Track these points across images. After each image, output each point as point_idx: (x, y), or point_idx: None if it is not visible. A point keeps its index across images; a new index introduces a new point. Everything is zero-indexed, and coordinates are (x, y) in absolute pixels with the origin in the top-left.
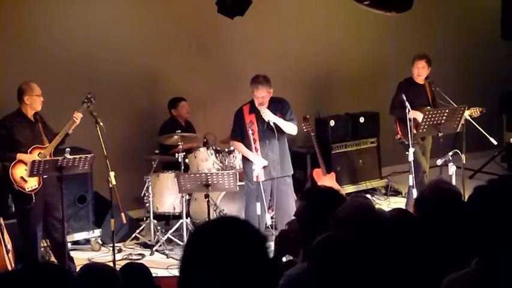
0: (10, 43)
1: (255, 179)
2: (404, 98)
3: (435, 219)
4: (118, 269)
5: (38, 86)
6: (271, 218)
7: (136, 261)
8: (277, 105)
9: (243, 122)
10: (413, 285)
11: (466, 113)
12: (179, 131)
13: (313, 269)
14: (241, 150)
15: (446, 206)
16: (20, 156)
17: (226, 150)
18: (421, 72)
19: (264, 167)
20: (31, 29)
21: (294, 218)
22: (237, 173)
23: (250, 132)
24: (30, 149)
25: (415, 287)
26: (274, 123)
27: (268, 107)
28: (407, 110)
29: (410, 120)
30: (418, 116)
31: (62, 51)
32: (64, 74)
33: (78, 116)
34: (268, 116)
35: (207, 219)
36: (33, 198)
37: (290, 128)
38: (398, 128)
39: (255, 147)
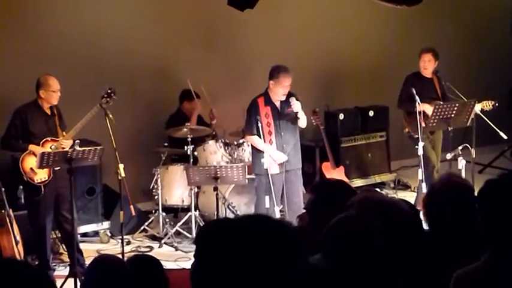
0: (19, 35)
1: (269, 171)
2: (414, 91)
3: (446, 213)
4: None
5: (57, 81)
6: (280, 211)
7: (145, 253)
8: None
9: (259, 114)
10: (423, 279)
11: (478, 107)
12: (188, 124)
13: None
14: (258, 144)
15: (457, 200)
16: (31, 147)
17: (235, 143)
18: (427, 65)
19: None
20: (40, 21)
21: (304, 211)
22: (246, 166)
23: (265, 124)
24: (42, 141)
25: (425, 281)
26: (288, 116)
27: (283, 100)
28: (416, 103)
29: (420, 113)
30: (427, 108)
31: (71, 43)
32: (73, 67)
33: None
34: (298, 107)
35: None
36: (42, 190)
37: (304, 121)
38: (407, 122)
39: (270, 140)
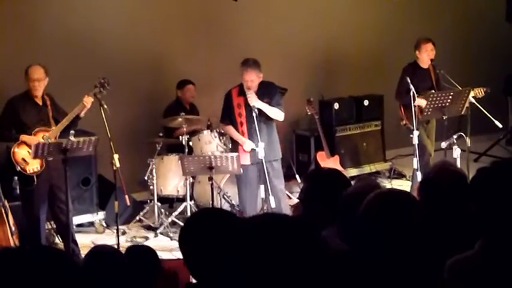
0: (16, 27)
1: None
2: (409, 81)
3: (440, 201)
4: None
5: (39, 70)
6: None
7: (141, 243)
8: (265, 90)
9: (232, 105)
10: (415, 268)
11: (471, 95)
12: (183, 114)
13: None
14: (231, 133)
15: (451, 188)
16: (23, 137)
17: None
18: (431, 54)
19: (251, 151)
20: (35, 9)
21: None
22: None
23: (237, 114)
24: (34, 131)
25: (417, 271)
26: (258, 108)
27: (257, 92)
28: (411, 93)
29: (415, 106)
30: (423, 103)
31: (66, 35)
32: (69, 58)
33: (88, 101)
34: (253, 101)
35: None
36: (35, 180)
37: (276, 114)
38: (404, 114)
39: (242, 131)
